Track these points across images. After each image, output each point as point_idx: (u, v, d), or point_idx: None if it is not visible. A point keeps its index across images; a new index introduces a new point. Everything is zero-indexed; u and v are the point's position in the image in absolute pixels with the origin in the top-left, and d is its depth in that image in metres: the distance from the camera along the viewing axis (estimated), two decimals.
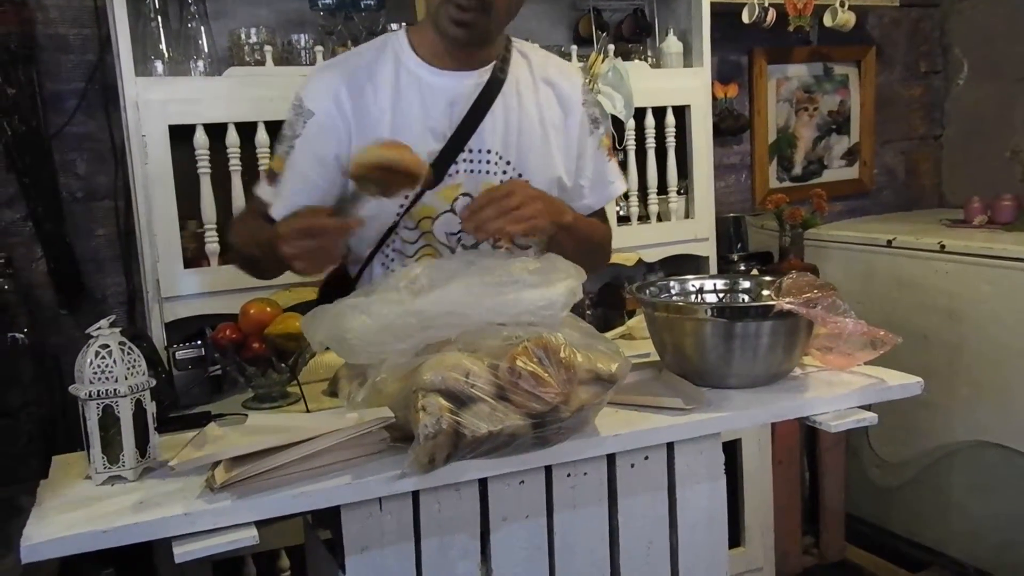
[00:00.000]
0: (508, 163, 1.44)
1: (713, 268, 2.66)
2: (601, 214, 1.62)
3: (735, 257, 2.78)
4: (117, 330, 1.06)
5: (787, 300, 1.22)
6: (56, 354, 2.13)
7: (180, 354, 1.99)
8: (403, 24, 2.02)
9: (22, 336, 1.97)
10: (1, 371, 1.92)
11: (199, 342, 2.03)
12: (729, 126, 2.94)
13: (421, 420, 0.97)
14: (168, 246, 2.01)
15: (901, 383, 1.32)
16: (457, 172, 1.42)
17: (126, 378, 1.04)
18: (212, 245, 2.06)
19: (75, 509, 0.96)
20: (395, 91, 1.40)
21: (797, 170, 3.17)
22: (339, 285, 1.64)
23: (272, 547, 2.04)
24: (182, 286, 2.03)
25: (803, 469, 2.73)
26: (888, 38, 3.29)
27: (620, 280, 2.63)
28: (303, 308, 2.06)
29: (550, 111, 1.49)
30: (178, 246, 2.02)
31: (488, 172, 1.43)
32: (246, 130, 2.06)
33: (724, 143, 2.99)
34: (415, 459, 0.98)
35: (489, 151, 1.43)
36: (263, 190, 1.48)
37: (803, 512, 2.72)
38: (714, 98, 2.77)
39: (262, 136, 2.07)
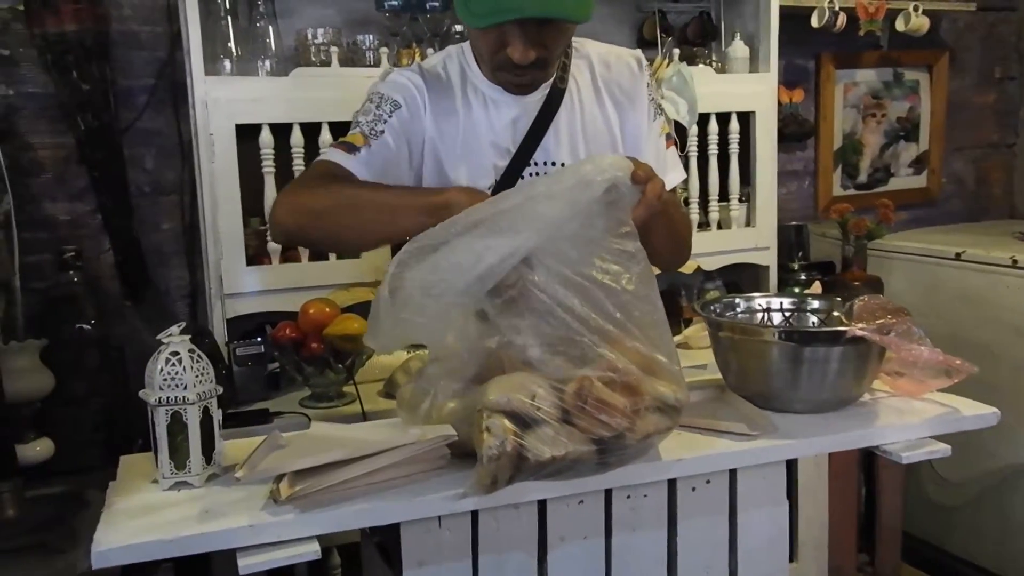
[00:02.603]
0: None
1: (773, 278, 2.62)
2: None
3: (795, 266, 2.72)
4: (187, 337, 1.08)
5: (860, 326, 1.19)
6: (121, 345, 2.18)
7: (240, 350, 2.02)
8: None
9: (89, 327, 2.02)
10: (69, 361, 1.97)
11: (259, 339, 2.06)
12: (793, 132, 2.88)
13: (485, 441, 0.96)
14: (232, 244, 2.04)
15: (976, 413, 1.27)
16: None
17: (195, 385, 1.06)
18: (274, 244, 2.09)
19: (143, 515, 0.98)
20: (465, 103, 1.40)
21: (862, 177, 3.09)
22: None
23: (324, 544, 2.06)
24: (244, 283, 2.06)
25: (860, 485, 2.67)
26: (962, 43, 3.19)
27: (677, 287, 2.60)
28: (361, 308, 2.08)
29: (615, 109, 1.46)
30: (241, 244, 2.05)
31: None
32: (310, 130, 2.08)
33: (787, 149, 2.93)
34: (477, 480, 0.97)
35: (554, 163, 1.42)
36: (341, 157, 1.35)
37: (858, 528, 2.66)
38: (779, 103, 2.71)
39: (326, 136, 2.08)
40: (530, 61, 1.26)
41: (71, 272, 2.02)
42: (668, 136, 1.51)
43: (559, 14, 1.22)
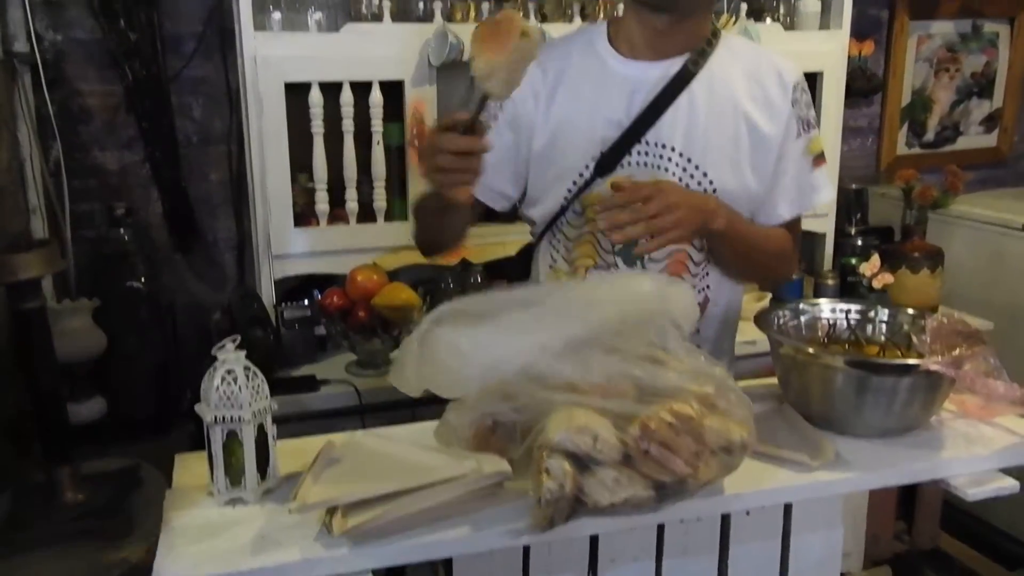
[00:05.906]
0: (689, 160, 1.37)
1: (830, 246, 2.54)
2: (793, 224, 1.50)
3: (853, 231, 2.64)
4: (243, 353, 1.06)
5: (933, 360, 1.13)
6: (171, 300, 2.19)
7: (288, 313, 2.03)
8: None
9: (140, 285, 2.02)
10: (120, 319, 1.98)
11: (306, 302, 2.06)
12: (860, 87, 2.75)
13: (544, 483, 0.94)
14: (280, 204, 2.01)
15: None
16: (629, 163, 1.37)
17: (250, 404, 1.05)
18: (322, 205, 2.06)
19: (200, 539, 0.98)
20: (581, 74, 1.37)
21: (929, 136, 2.96)
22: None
23: None
24: (291, 245, 2.05)
25: None
26: None
27: None
28: (408, 273, 2.06)
29: (752, 112, 1.38)
30: (289, 205, 2.03)
31: (663, 168, 1.37)
32: (360, 88, 2.02)
33: (852, 104, 2.80)
34: (535, 522, 0.96)
35: (664, 146, 1.36)
36: None
37: (898, 496, 2.64)
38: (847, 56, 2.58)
39: (376, 96, 2.03)
40: None
41: (121, 229, 2.01)
42: (820, 155, 1.45)
43: None
